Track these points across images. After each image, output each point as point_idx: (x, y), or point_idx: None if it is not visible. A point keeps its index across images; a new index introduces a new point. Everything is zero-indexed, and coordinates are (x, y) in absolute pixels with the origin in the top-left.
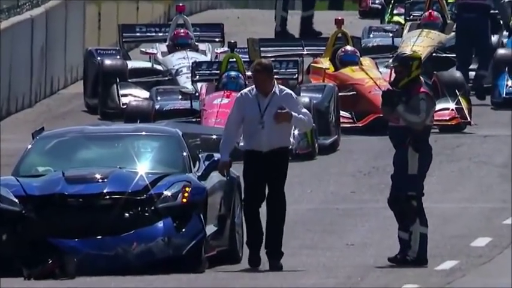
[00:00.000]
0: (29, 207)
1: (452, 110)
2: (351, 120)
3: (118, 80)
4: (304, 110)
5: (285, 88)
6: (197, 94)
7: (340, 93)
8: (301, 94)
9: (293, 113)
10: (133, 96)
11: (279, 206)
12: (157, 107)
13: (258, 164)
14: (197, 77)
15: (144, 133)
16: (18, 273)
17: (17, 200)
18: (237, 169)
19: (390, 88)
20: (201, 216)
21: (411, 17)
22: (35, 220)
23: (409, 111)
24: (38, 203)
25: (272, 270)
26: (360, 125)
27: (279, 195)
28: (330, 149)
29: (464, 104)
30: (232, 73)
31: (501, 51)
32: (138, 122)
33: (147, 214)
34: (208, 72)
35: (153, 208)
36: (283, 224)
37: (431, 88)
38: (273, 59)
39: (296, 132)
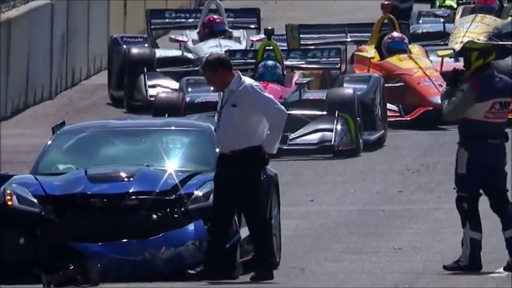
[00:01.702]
0: (49, 208)
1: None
2: (398, 114)
3: (145, 70)
4: (269, 103)
5: (246, 81)
6: None
7: (386, 85)
8: (344, 85)
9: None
10: (162, 87)
11: (251, 213)
12: (187, 99)
13: (223, 167)
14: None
15: (173, 128)
16: (37, 280)
17: (36, 201)
18: (274, 167)
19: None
20: (236, 218)
21: (464, 0)
22: (56, 222)
23: (446, 99)
24: (58, 203)
25: (253, 281)
26: (408, 118)
27: (250, 202)
28: (376, 145)
29: None
30: (270, 62)
31: None
32: (167, 115)
33: (176, 216)
34: (243, 61)
35: (183, 209)
36: (261, 230)
37: None
38: (313, 47)
39: (339, 126)
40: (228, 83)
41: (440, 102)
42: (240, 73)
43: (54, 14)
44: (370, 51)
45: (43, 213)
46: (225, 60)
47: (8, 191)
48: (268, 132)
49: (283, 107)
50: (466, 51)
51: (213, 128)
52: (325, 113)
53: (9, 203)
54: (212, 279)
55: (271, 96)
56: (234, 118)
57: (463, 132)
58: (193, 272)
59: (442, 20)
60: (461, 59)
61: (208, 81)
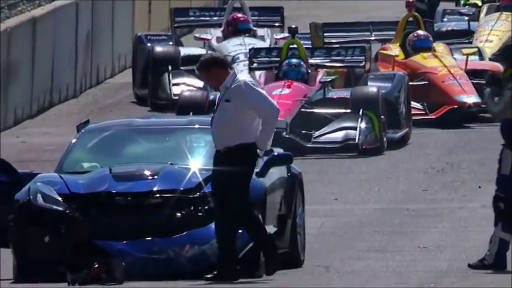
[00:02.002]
0: (74, 207)
1: None
2: (423, 112)
3: (170, 68)
4: (261, 99)
5: (240, 80)
6: None
7: (411, 83)
8: (369, 83)
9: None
10: (186, 85)
11: (225, 205)
12: (211, 97)
13: (218, 165)
14: (255, 64)
15: (197, 126)
16: (61, 278)
17: (60, 199)
18: (299, 165)
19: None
20: (260, 216)
21: None
22: (80, 220)
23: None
24: (83, 202)
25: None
26: (433, 117)
27: (230, 200)
28: (400, 143)
29: None
30: (294, 60)
31: None
32: (191, 114)
33: (200, 214)
34: (267, 59)
35: (206, 207)
36: (224, 230)
37: None
38: (337, 45)
39: (363, 125)
40: (223, 81)
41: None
42: (236, 71)
43: (79, 13)
44: (394, 50)
45: (68, 211)
46: (219, 59)
47: (33, 190)
48: (260, 128)
49: (275, 103)
50: (509, 49)
51: None
52: (349, 111)
53: (34, 201)
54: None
55: (264, 92)
56: (227, 114)
57: (508, 132)
58: (209, 276)
59: (466, 18)
60: (487, 57)
61: (205, 81)
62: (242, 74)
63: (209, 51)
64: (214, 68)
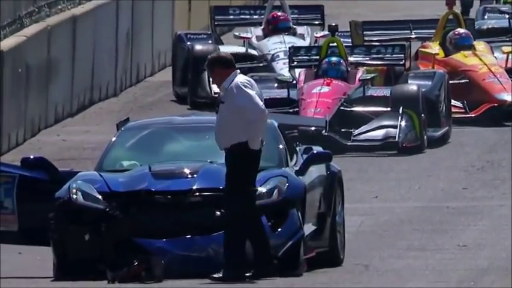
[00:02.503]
0: (114, 205)
1: None
2: (463, 110)
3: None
4: (247, 100)
5: (238, 78)
6: (295, 82)
7: (451, 81)
8: (409, 81)
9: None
10: None
11: (227, 211)
12: None
13: (225, 165)
14: (295, 63)
15: None
16: (101, 276)
17: (100, 197)
18: (338, 163)
19: None
20: (299, 214)
21: None
22: (120, 218)
23: None
24: (122, 200)
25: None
26: (473, 115)
27: (228, 198)
28: (440, 141)
29: None
30: (333, 59)
31: None
32: None
33: None
34: (306, 57)
35: None
36: (228, 231)
37: None
38: (377, 43)
39: (403, 123)
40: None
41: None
42: (238, 71)
43: (119, 11)
44: (434, 48)
45: (107, 209)
46: (223, 59)
47: (73, 188)
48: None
49: (261, 104)
50: None
51: (276, 124)
52: (389, 109)
53: (74, 199)
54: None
55: (253, 93)
56: (222, 115)
57: None
58: (216, 276)
59: (507, 16)
60: (505, 57)
61: (211, 79)
62: (240, 75)
63: (249, 50)
64: (218, 67)
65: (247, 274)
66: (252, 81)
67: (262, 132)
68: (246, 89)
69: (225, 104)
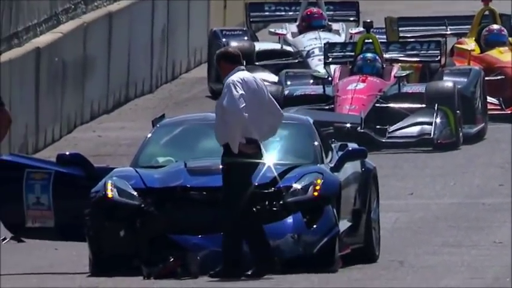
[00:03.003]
0: (149, 201)
1: None
2: (499, 107)
3: (245, 63)
4: (222, 99)
5: (231, 78)
6: (330, 78)
7: (486, 78)
8: (444, 78)
9: None
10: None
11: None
12: (286, 92)
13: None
14: (330, 59)
15: None
16: (137, 272)
17: (136, 193)
18: (373, 160)
19: None
20: (334, 211)
21: None
22: (155, 215)
23: None
24: (158, 196)
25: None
26: (509, 112)
27: (223, 197)
28: (476, 138)
29: None
30: (369, 55)
31: None
32: None
33: (275, 209)
34: (342, 54)
35: (281, 202)
36: (223, 231)
37: None
38: (413, 39)
39: (439, 120)
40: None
41: None
42: (242, 67)
43: (154, 8)
44: (470, 44)
45: (143, 205)
46: (228, 54)
47: (109, 184)
48: None
49: (236, 106)
50: None
51: (311, 120)
52: (424, 106)
53: (110, 195)
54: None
55: (237, 95)
56: (217, 110)
57: None
58: (212, 272)
59: None
60: None
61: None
62: (240, 72)
63: (284, 46)
64: (223, 62)
65: (248, 272)
66: (249, 79)
67: (237, 137)
68: (233, 89)
69: (219, 100)
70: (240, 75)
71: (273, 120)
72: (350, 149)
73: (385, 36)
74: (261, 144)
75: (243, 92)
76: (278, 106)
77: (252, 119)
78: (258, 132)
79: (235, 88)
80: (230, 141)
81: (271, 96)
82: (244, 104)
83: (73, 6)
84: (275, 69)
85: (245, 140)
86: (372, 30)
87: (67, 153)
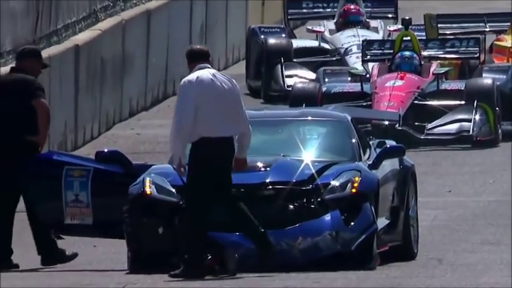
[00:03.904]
0: None
1: None
2: None
3: (283, 60)
4: (175, 107)
5: (184, 78)
6: (368, 75)
7: None
8: (483, 75)
9: None
10: (299, 77)
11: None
12: (324, 89)
13: None
14: (368, 56)
15: (309, 118)
16: (175, 269)
17: (174, 190)
18: (412, 157)
19: None
20: (372, 208)
21: None
22: None
23: None
24: None
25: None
26: None
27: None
28: None
29: None
30: (406, 53)
31: None
32: (304, 105)
33: (313, 206)
34: (380, 51)
35: (319, 199)
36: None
37: None
38: (452, 36)
39: (478, 117)
40: None
41: None
42: (200, 66)
43: (193, 5)
44: (509, 41)
45: (181, 202)
46: (190, 51)
47: (147, 181)
48: None
49: (178, 119)
50: None
51: (349, 118)
52: (463, 103)
53: (148, 192)
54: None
55: (179, 104)
56: None
57: None
58: (176, 272)
59: None
60: None
61: None
62: (199, 70)
63: (322, 43)
64: (187, 60)
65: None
66: (204, 77)
67: (174, 149)
68: (179, 94)
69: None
70: (195, 74)
71: (237, 127)
72: (388, 146)
73: (423, 33)
74: (229, 142)
75: (193, 94)
76: (247, 117)
77: (206, 117)
78: (216, 130)
79: (181, 94)
80: (171, 140)
81: (243, 107)
82: (186, 114)
83: (112, 4)
84: (313, 67)
85: (202, 139)
86: (410, 27)
87: (106, 150)
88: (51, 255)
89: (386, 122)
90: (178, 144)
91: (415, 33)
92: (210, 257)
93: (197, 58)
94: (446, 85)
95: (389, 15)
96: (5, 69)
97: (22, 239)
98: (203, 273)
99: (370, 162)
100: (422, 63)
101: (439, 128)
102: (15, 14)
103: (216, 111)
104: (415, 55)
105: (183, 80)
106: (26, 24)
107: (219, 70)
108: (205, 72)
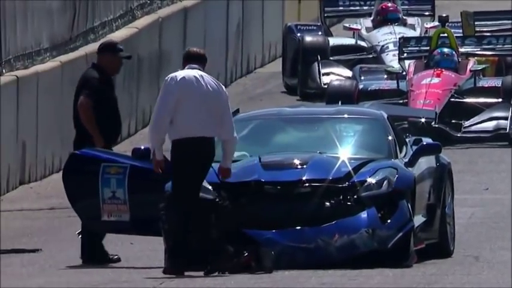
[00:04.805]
0: (223, 195)
1: None
2: None
3: (319, 58)
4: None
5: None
6: (404, 73)
7: None
8: None
9: None
10: (335, 75)
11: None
12: (361, 86)
13: None
14: (405, 54)
15: (346, 116)
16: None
17: (210, 188)
18: (449, 155)
19: None
20: (409, 205)
21: None
22: (230, 209)
23: None
24: (232, 190)
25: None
26: None
27: None
28: None
29: None
30: (446, 50)
31: None
32: (340, 103)
33: (349, 203)
34: (417, 49)
35: (355, 197)
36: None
37: None
38: (489, 33)
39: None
40: None
41: None
42: (186, 67)
43: (229, 3)
44: None
45: (218, 200)
46: (185, 53)
47: None
48: None
49: (155, 118)
50: None
51: (385, 115)
52: (500, 100)
53: None
54: (384, 267)
55: (157, 104)
56: None
57: None
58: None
59: None
60: None
61: None
62: (185, 70)
63: (359, 41)
64: (182, 60)
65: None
66: (189, 77)
67: (151, 144)
68: (162, 90)
69: None
70: (182, 72)
71: (219, 130)
72: (424, 143)
73: (460, 31)
74: (208, 142)
75: (174, 91)
76: (232, 124)
77: (187, 115)
78: (196, 129)
79: (161, 94)
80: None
81: (230, 111)
82: (165, 111)
83: (148, 2)
84: (349, 65)
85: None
86: (447, 24)
87: (142, 147)
88: (94, 255)
89: (423, 120)
90: (154, 140)
91: (452, 31)
92: (246, 254)
93: (191, 60)
94: (483, 82)
95: (426, 13)
96: (43, 67)
97: (61, 235)
98: (236, 268)
99: (407, 159)
100: (460, 60)
101: (475, 126)
102: (52, 11)
103: (196, 111)
104: (453, 52)
105: (168, 76)
106: (63, 22)
107: (255, 68)
108: (193, 72)
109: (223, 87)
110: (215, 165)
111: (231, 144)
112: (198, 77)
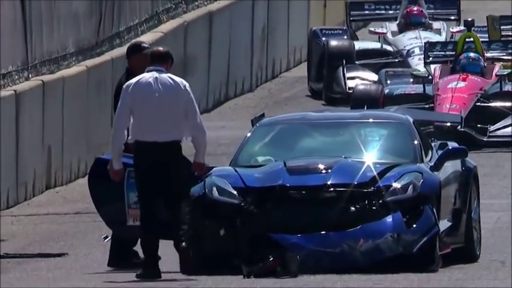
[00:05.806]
0: (249, 200)
1: None
2: None
3: (344, 62)
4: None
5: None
6: (430, 77)
7: None
8: None
9: None
10: (361, 79)
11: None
12: (386, 91)
13: None
14: (430, 58)
15: (371, 120)
16: (237, 270)
17: (235, 192)
18: (474, 159)
19: None
20: (434, 210)
21: None
22: (255, 214)
23: None
24: (257, 195)
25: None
26: None
27: None
28: None
29: None
30: (472, 54)
31: None
32: (366, 107)
33: (374, 208)
34: (442, 53)
35: (381, 201)
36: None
37: None
38: None
39: None
40: None
41: None
42: (150, 69)
43: (255, 7)
44: None
45: (243, 204)
46: (150, 54)
47: (209, 183)
48: None
49: (115, 121)
50: None
51: (411, 119)
52: None
53: (210, 194)
54: (409, 271)
55: (118, 108)
56: None
57: None
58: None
59: None
60: None
61: None
62: (142, 75)
63: (384, 45)
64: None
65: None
66: (143, 81)
67: (111, 151)
68: (120, 98)
69: None
70: (137, 78)
71: (178, 132)
72: (450, 148)
73: (486, 35)
74: (167, 147)
75: (127, 98)
76: (199, 119)
77: (140, 121)
78: (150, 134)
79: (121, 97)
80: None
81: (195, 106)
82: (121, 118)
83: (174, 6)
84: (375, 68)
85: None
86: (473, 28)
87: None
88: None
89: (449, 124)
90: (114, 147)
91: (478, 35)
92: (272, 258)
93: (155, 61)
94: (509, 87)
95: (452, 17)
96: (68, 72)
97: (87, 240)
98: (262, 273)
99: (432, 164)
100: (486, 64)
101: (501, 130)
102: (78, 16)
103: (149, 116)
104: (480, 57)
105: (125, 84)
106: (89, 26)
107: (280, 72)
108: (148, 76)
109: (186, 83)
110: (240, 170)
111: (200, 140)
112: (152, 80)
